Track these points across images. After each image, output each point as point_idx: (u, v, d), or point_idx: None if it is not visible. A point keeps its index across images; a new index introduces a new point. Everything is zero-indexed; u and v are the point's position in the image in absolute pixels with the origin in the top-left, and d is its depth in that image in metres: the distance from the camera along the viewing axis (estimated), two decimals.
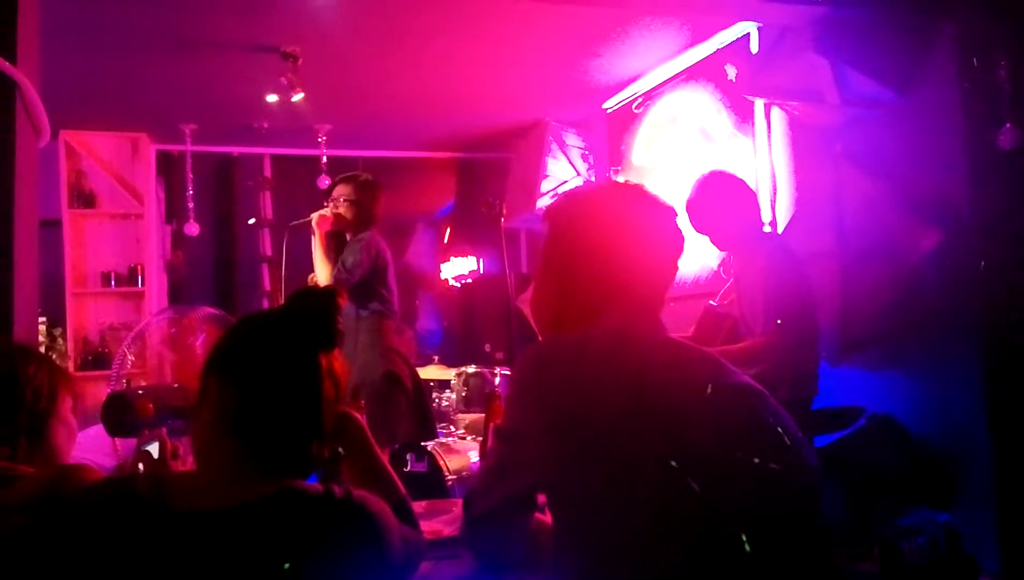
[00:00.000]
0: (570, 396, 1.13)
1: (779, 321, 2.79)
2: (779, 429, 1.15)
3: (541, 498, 1.30)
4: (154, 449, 1.54)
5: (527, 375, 1.20)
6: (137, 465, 1.55)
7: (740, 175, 3.16)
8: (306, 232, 3.54)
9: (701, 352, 1.24)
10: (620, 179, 1.39)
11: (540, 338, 1.38)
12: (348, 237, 3.56)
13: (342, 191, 3.57)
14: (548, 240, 1.34)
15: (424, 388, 3.62)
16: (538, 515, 1.37)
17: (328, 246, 3.51)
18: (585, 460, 1.10)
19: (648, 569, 1.05)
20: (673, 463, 1.06)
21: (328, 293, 1.23)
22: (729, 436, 1.11)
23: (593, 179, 5.39)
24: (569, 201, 1.38)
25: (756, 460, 1.10)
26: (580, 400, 1.13)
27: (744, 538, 1.05)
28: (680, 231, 1.33)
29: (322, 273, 3.44)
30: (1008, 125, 2.80)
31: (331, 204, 3.57)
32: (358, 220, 3.53)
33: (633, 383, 1.13)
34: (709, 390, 1.15)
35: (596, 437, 1.10)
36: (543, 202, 5.16)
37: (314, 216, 3.51)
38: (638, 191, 1.33)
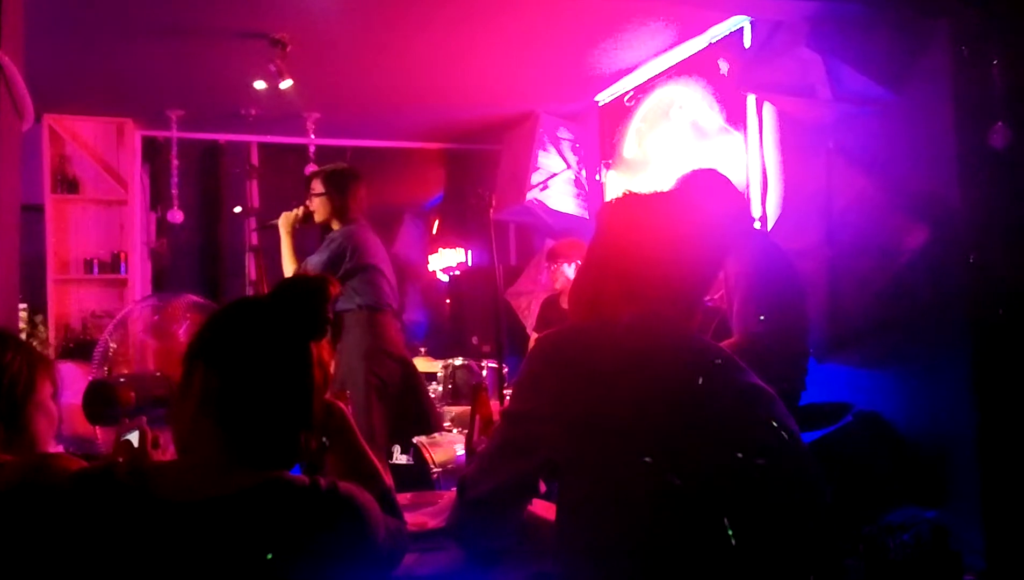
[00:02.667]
0: (586, 380, 1.16)
1: (761, 317, 2.79)
2: (784, 432, 1.18)
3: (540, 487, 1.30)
4: (134, 438, 1.51)
5: (544, 358, 1.23)
6: (117, 454, 1.53)
7: (726, 171, 3.15)
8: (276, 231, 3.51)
9: (718, 349, 1.27)
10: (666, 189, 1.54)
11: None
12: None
13: (313, 186, 3.53)
14: (597, 233, 1.42)
15: (419, 387, 3.54)
16: (528, 507, 1.37)
17: (296, 245, 3.46)
18: (595, 444, 1.12)
19: (651, 556, 1.07)
20: (680, 453, 1.10)
21: (319, 281, 1.20)
22: (740, 433, 1.15)
23: (584, 172, 5.38)
24: (625, 201, 1.45)
25: (761, 459, 1.13)
26: (596, 384, 1.15)
27: (744, 533, 1.06)
28: (721, 247, 1.42)
29: (288, 272, 3.41)
30: (1000, 124, 2.81)
31: (310, 198, 3.53)
32: (331, 214, 3.48)
33: (649, 372, 1.17)
34: (722, 387, 1.19)
35: (607, 422, 1.12)
36: (533, 194, 5.15)
37: (280, 218, 3.48)
38: (688, 202, 1.42)
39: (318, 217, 3.48)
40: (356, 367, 3.31)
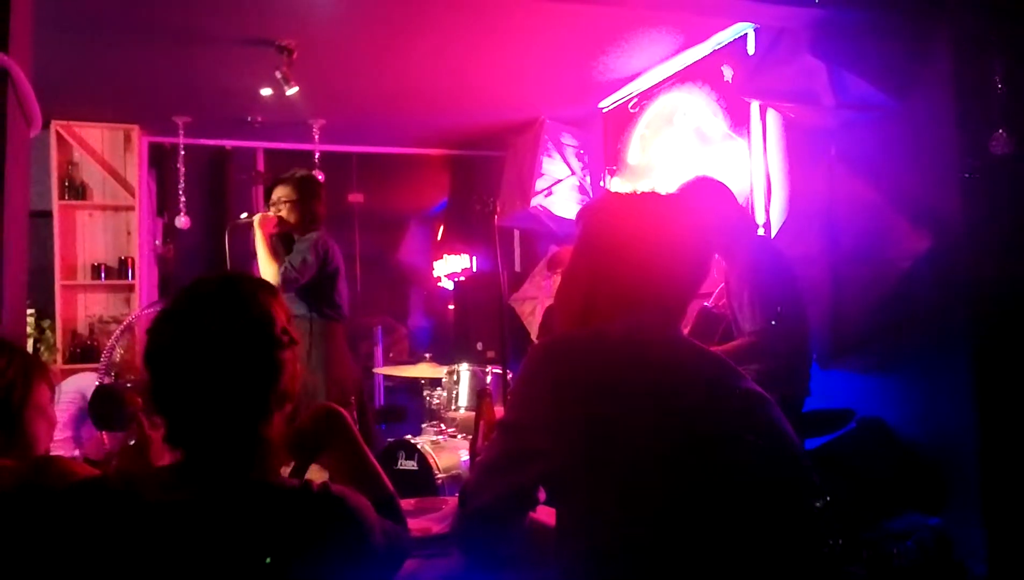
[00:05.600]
0: (581, 390, 1.15)
1: (773, 322, 2.80)
2: (782, 436, 1.18)
3: (540, 495, 1.30)
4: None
5: (538, 369, 1.22)
6: (124, 459, 1.54)
7: (726, 179, 3.16)
8: (249, 232, 3.47)
9: (713, 355, 1.27)
10: (660, 190, 1.45)
11: (555, 331, 1.40)
12: (296, 237, 3.48)
13: (281, 193, 3.50)
14: (583, 237, 1.37)
15: (366, 402, 3.54)
16: (530, 514, 1.37)
17: (273, 247, 3.44)
18: (593, 453, 1.11)
19: (652, 562, 1.07)
20: (679, 460, 1.09)
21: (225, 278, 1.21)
22: (736, 438, 1.14)
23: (588, 179, 5.39)
24: (608, 203, 1.42)
25: (759, 463, 1.13)
26: (591, 394, 1.14)
27: (743, 537, 1.07)
28: (710, 245, 1.38)
29: (269, 273, 3.34)
30: (1001, 131, 2.81)
31: (272, 208, 3.51)
32: (302, 221, 3.46)
33: (645, 380, 1.16)
34: (719, 393, 1.18)
35: (605, 431, 1.11)
36: (537, 200, 5.16)
37: (256, 217, 3.45)
38: (675, 202, 1.36)
39: (288, 223, 3.47)
40: (315, 373, 3.31)
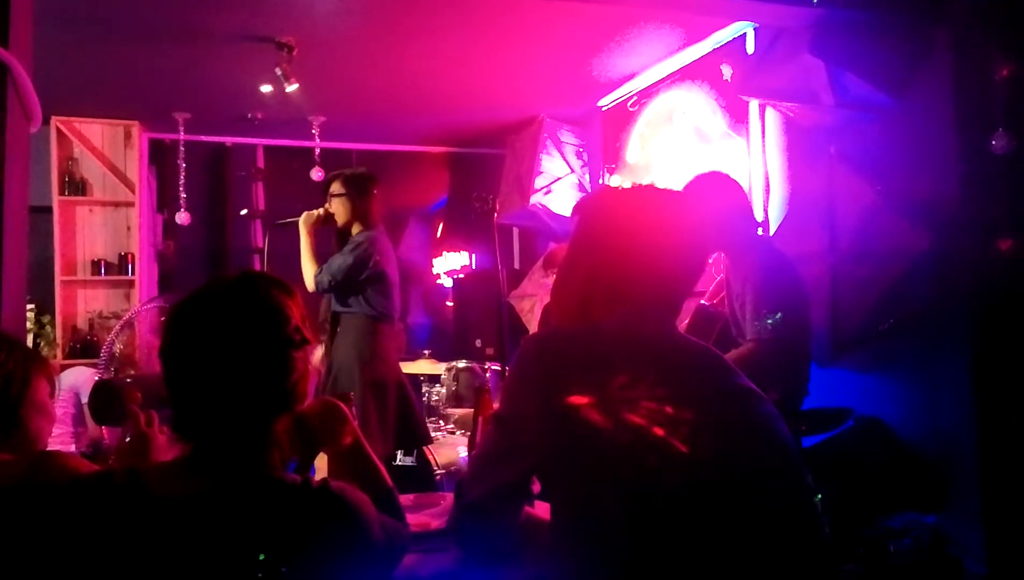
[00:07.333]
0: (572, 383, 1.15)
1: (770, 322, 2.80)
2: (775, 433, 1.18)
3: (535, 488, 1.31)
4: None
5: (530, 362, 1.22)
6: (122, 455, 1.55)
7: (734, 176, 3.16)
8: (294, 229, 3.48)
9: (708, 350, 1.27)
10: (657, 184, 1.43)
11: (555, 323, 1.40)
12: (350, 235, 3.48)
13: (333, 187, 3.52)
14: (579, 231, 1.36)
15: (411, 397, 3.54)
16: (527, 508, 1.38)
17: (317, 247, 3.45)
18: (584, 446, 1.11)
19: (643, 555, 1.07)
20: (670, 456, 1.09)
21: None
22: (727, 434, 1.14)
23: (587, 177, 5.39)
24: (604, 197, 1.42)
25: (750, 460, 1.13)
26: (582, 388, 1.14)
27: (733, 531, 1.07)
28: (707, 240, 1.39)
29: (307, 273, 3.36)
30: (1001, 129, 2.81)
31: (328, 200, 3.52)
32: (352, 217, 3.47)
33: (638, 375, 1.15)
34: (712, 388, 1.18)
35: (595, 425, 1.11)
36: (536, 198, 5.16)
37: (302, 217, 3.46)
38: (672, 196, 1.36)
39: (339, 219, 3.46)
40: (352, 368, 3.32)
